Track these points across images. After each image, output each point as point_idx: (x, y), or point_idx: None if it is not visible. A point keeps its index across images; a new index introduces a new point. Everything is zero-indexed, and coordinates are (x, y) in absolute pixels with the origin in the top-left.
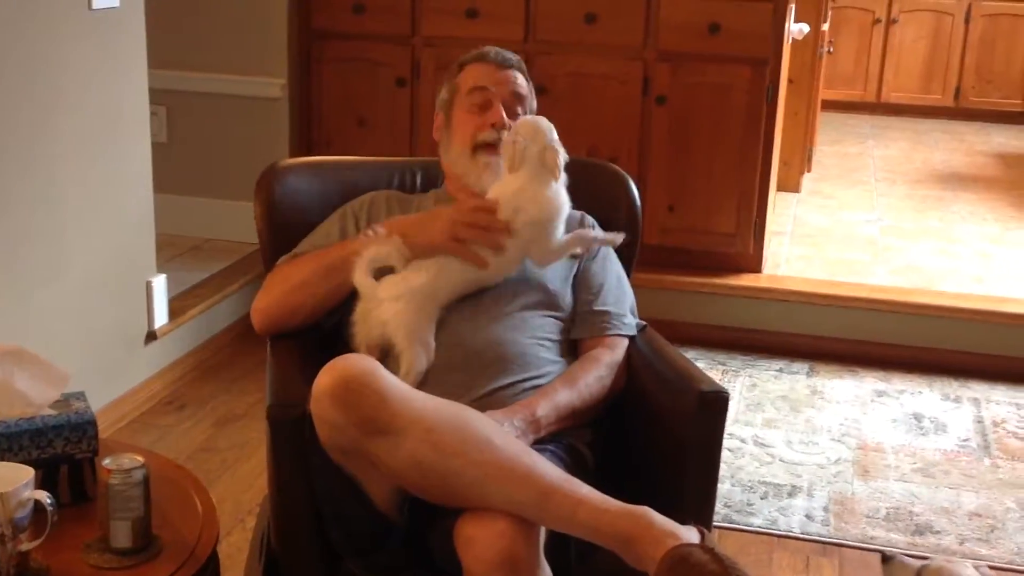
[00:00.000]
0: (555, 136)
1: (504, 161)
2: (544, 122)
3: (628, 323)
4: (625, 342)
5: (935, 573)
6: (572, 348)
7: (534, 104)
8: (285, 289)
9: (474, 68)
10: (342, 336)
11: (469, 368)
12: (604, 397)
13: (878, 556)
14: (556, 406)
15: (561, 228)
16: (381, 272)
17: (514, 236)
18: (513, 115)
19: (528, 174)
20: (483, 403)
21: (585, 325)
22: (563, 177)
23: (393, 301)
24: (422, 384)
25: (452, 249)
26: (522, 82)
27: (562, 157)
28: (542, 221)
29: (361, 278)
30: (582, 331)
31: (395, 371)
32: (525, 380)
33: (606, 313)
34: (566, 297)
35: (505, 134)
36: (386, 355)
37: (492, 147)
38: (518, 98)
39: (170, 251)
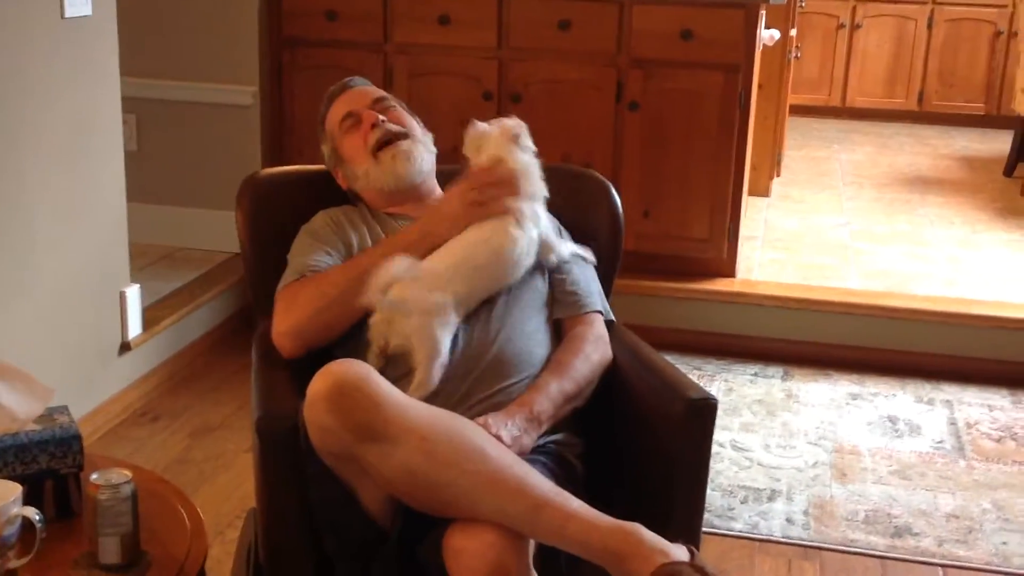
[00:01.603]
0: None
1: (469, 153)
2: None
3: (604, 305)
4: (601, 318)
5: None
6: (556, 332)
7: (399, 101)
8: (321, 306)
9: (331, 112)
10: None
11: (467, 375)
12: (595, 372)
13: (859, 559)
14: (551, 397)
15: (535, 185)
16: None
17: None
18: (384, 111)
19: (493, 145)
20: (482, 408)
21: (562, 305)
22: (525, 142)
23: (421, 315)
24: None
25: (476, 213)
26: (372, 89)
27: (522, 128)
28: (521, 168)
29: (376, 295)
30: (560, 311)
31: (392, 378)
32: (521, 380)
33: (580, 291)
34: (542, 285)
35: (389, 125)
36: (388, 362)
37: (388, 143)
38: (379, 100)
39: (141, 260)
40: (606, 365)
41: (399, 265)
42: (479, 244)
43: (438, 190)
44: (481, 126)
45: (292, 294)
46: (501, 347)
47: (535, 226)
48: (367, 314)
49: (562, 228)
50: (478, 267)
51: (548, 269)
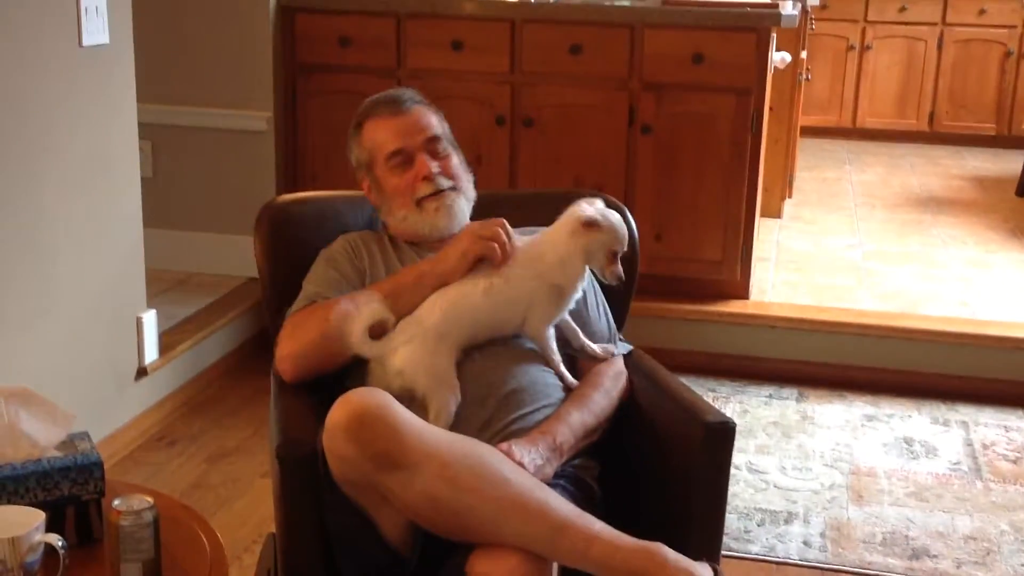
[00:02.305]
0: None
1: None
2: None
3: (618, 339)
4: (622, 358)
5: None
6: (571, 364)
7: (447, 128)
8: (325, 334)
9: (375, 124)
10: (350, 373)
11: (484, 403)
12: (613, 410)
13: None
14: (572, 429)
15: (567, 306)
16: (376, 331)
17: (529, 279)
18: (435, 155)
19: (575, 241)
20: (503, 435)
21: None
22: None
23: (405, 346)
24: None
25: (478, 248)
26: (428, 118)
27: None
28: (558, 283)
29: (362, 346)
30: (582, 353)
31: (423, 417)
32: (538, 410)
33: (603, 336)
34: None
35: (440, 180)
36: (410, 402)
37: (435, 195)
38: (434, 140)
39: (157, 286)
40: (622, 402)
41: (366, 304)
42: (476, 292)
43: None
44: (586, 211)
45: (299, 321)
46: (516, 376)
47: (551, 309)
48: None
49: (597, 291)
50: (468, 307)
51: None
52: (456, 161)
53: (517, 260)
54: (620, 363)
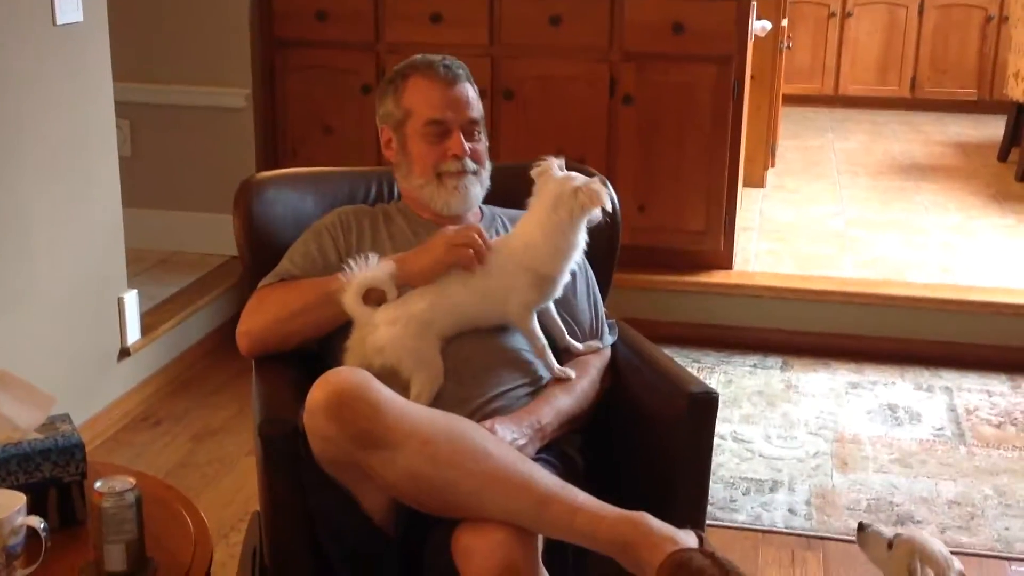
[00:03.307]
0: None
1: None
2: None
3: (604, 331)
4: (608, 350)
5: (906, 543)
6: (556, 352)
7: (482, 110)
8: (281, 316)
9: (422, 85)
10: (331, 351)
11: (463, 378)
12: (596, 400)
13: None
14: (558, 412)
15: (553, 294)
16: (370, 297)
17: (513, 270)
18: (471, 137)
19: (554, 222)
20: (483, 413)
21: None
22: (582, 244)
23: (389, 325)
24: None
25: (451, 257)
26: (473, 97)
27: (605, 196)
28: (544, 272)
29: (352, 303)
30: (565, 339)
31: (403, 395)
32: (519, 387)
33: (585, 324)
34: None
35: (468, 161)
36: (388, 380)
37: (458, 173)
38: (473, 123)
39: (137, 266)
40: (604, 393)
41: (376, 269)
42: (462, 285)
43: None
44: (555, 173)
45: (262, 297)
46: (494, 352)
47: (534, 296)
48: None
49: (590, 279)
50: (453, 298)
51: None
52: (484, 147)
53: (502, 252)
54: (607, 355)
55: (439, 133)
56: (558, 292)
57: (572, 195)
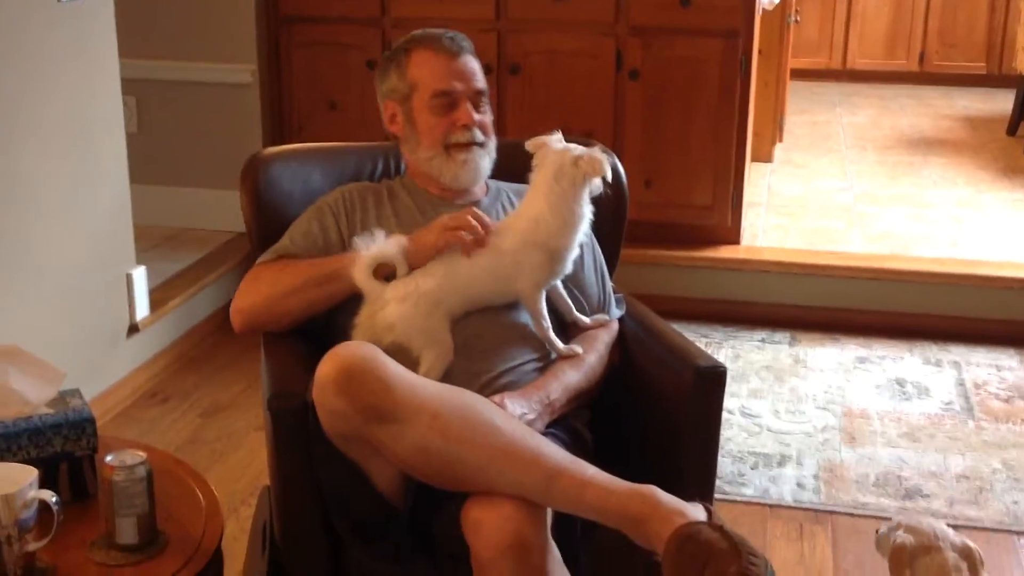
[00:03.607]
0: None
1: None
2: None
3: (611, 304)
4: (617, 321)
5: (896, 521)
6: (563, 326)
7: (485, 82)
8: (274, 294)
9: (427, 57)
10: (337, 327)
11: (472, 353)
12: (604, 375)
13: (870, 522)
14: (566, 388)
15: (563, 270)
16: (379, 272)
17: (523, 247)
18: (478, 108)
19: (558, 194)
20: (492, 388)
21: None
22: (587, 214)
23: (399, 303)
24: None
25: (448, 238)
26: (478, 69)
27: (606, 164)
28: (552, 246)
29: (363, 277)
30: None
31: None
32: (529, 362)
33: (592, 297)
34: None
35: (476, 132)
36: (397, 356)
37: (466, 145)
38: (480, 93)
39: (145, 242)
40: (611, 369)
41: (387, 244)
42: (473, 264)
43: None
44: (553, 145)
45: (258, 274)
46: (503, 327)
47: (544, 273)
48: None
49: (597, 254)
50: (463, 277)
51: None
52: (490, 120)
53: (510, 230)
54: (615, 328)
55: (447, 104)
56: (568, 268)
57: (573, 165)
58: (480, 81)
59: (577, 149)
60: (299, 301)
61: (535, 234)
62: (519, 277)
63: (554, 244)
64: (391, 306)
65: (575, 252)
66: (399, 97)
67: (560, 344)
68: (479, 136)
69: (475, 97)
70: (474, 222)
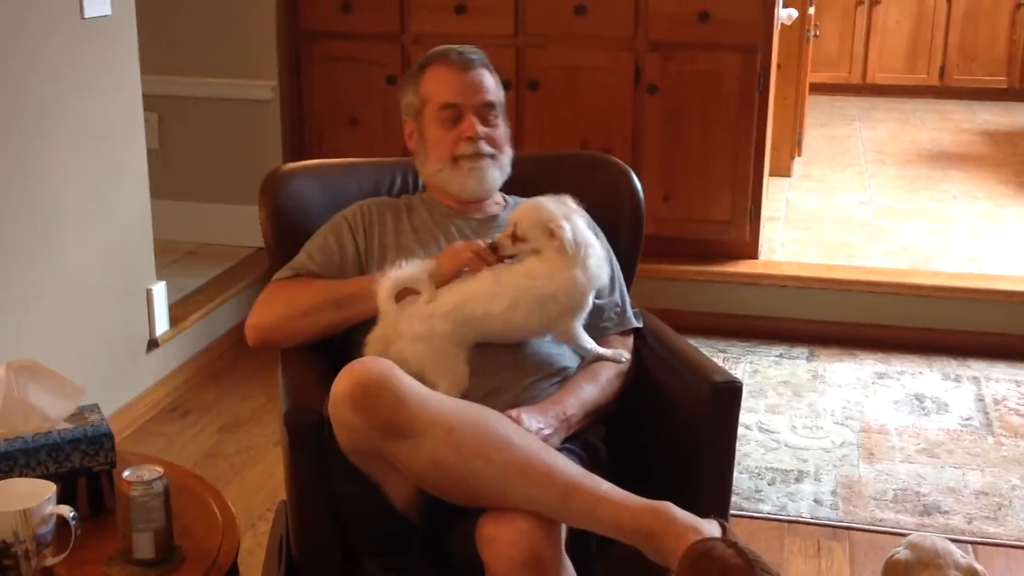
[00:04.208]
0: (556, 212)
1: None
2: (542, 204)
3: (629, 316)
4: (632, 336)
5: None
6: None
7: (502, 96)
8: (289, 314)
9: (437, 73)
10: (353, 341)
11: (488, 370)
12: (621, 390)
13: (888, 538)
14: (583, 403)
15: (586, 308)
16: (402, 296)
17: (543, 308)
18: (486, 121)
19: (548, 257)
20: (508, 404)
21: (596, 323)
22: (592, 252)
23: (412, 342)
24: None
25: (452, 265)
26: (489, 82)
27: (567, 232)
28: (564, 303)
29: (386, 301)
30: (593, 329)
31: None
32: (545, 377)
33: (608, 309)
34: None
35: (482, 145)
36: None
37: (472, 156)
38: (489, 106)
39: (166, 257)
40: (628, 385)
41: (414, 268)
42: (490, 306)
43: (497, 197)
44: (544, 209)
45: (275, 291)
46: (521, 344)
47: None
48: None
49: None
50: (487, 322)
51: None
52: (502, 132)
53: (524, 275)
54: (631, 345)
55: (453, 118)
56: (590, 302)
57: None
58: (490, 94)
59: (544, 208)
60: (314, 322)
61: (556, 305)
62: (552, 332)
63: (575, 301)
64: (405, 342)
65: (599, 284)
66: (413, 112)
67: (606, 351)
68: (485, 148)
69: (482, 110)
70: (470, 250)
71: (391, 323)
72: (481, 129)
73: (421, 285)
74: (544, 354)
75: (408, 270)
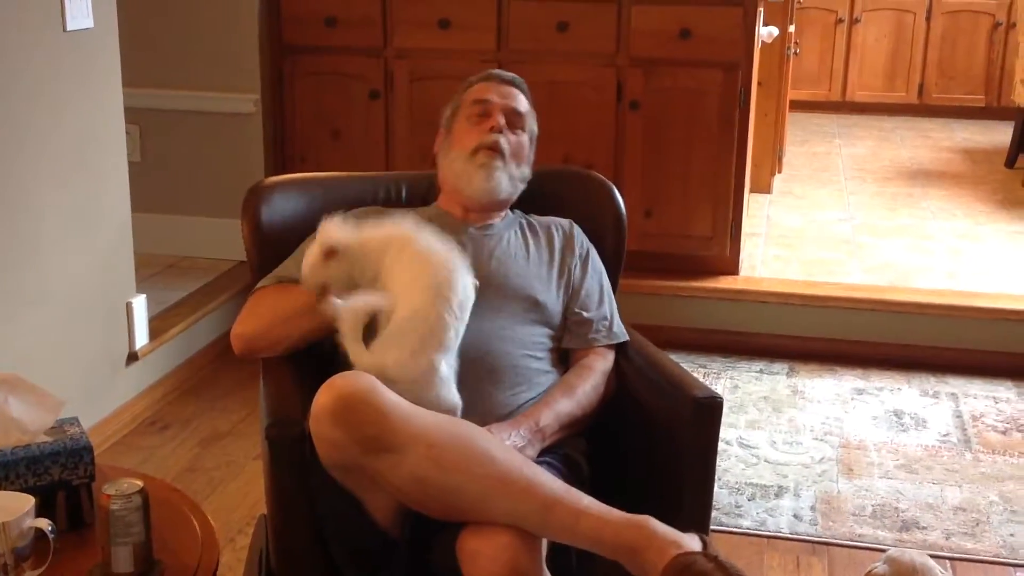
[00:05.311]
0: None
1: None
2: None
3: (617, 330)
4: (614, 350)
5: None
6: (563, 357)
7: (534, 126)
8: (273, 320)
9: (478, 84)
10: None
11: (463, 386)
12: (599, 405)
13: (867, 554)
14: (558, 415)
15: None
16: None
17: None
18: (513, 127)
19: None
20: (481, 417)
21: (577, 335)
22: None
23: (390, 369)
24: None
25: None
26: (523, 100)
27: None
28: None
29: (352, 345)
30: (574, 341)
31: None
32: (518, 393)
33: (596, 322)
34: (555, 306)
35: (502, 140)
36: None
37: (491, 149)
38: (517, 114)
39: (146, 270)
40: (607, 399)
41: (370, 300)
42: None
43: (504, 211)
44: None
45: (258, 299)
46: (495, 356)
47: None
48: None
49: (573, 224)
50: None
51: (563, 293)
52: (525, 145)
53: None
54: (611, 361)
55: (481, 114)
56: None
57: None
58: (520, 104)
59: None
60: (298, 327)
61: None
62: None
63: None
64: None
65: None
66: (447, 120)
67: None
68: (505, 147)
69: (511, 114)
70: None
71: (362, 366)
72: (504, 127)
73: (381, 317)
74: (519, 370)
75: (362, 301)
